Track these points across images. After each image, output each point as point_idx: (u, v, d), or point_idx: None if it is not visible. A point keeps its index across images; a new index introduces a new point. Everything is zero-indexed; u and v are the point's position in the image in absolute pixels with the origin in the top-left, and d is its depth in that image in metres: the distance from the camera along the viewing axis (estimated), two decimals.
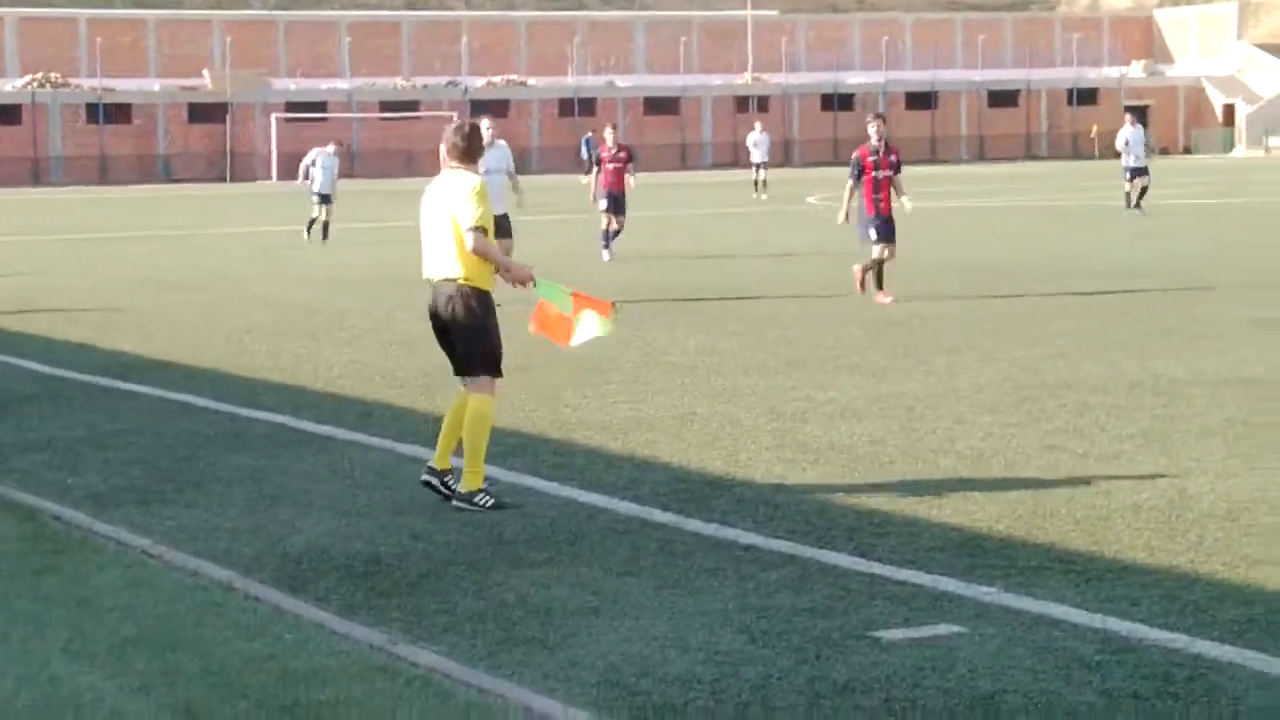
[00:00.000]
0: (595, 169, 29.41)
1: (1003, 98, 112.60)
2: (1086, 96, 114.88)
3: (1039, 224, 38.88)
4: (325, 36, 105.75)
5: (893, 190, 21.56)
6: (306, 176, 37.31)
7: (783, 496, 9.99)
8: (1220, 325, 18.03)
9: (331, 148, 37.73)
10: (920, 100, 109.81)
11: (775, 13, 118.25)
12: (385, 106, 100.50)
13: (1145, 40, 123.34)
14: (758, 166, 57.12)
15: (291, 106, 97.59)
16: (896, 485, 10.25)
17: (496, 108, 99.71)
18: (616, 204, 29.10)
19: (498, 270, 10.15)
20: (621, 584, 8.12)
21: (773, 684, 6.56)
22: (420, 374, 15.53)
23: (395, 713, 6.28)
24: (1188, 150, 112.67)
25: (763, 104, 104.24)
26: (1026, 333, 17.73)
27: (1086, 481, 10.17)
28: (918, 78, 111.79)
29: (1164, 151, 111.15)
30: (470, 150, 10.27)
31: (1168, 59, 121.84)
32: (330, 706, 6.34)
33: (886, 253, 21.38)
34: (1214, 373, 14.52)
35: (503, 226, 21.26)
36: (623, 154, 29.18)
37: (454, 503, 9.89)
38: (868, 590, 7.85)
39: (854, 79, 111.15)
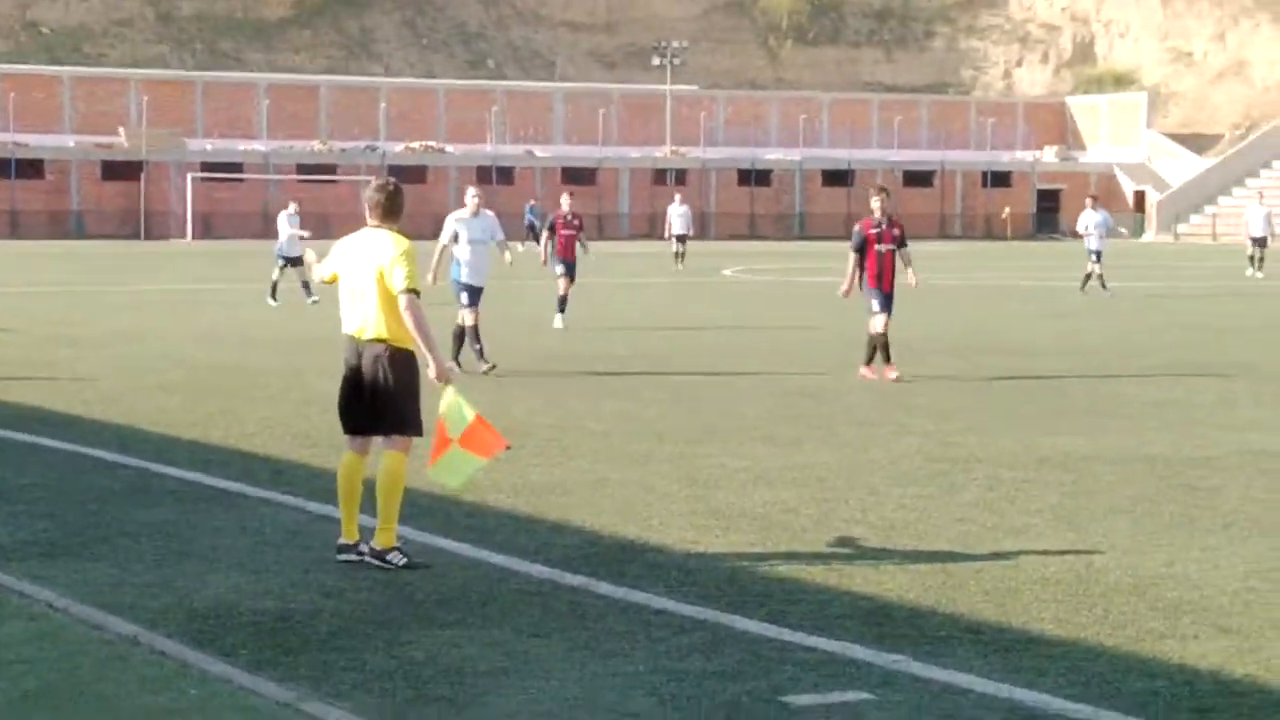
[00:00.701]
0: (549, 235, 29.05)
1: (918, 178, 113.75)
2: (1000, 179, 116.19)
3: (951, 302, 39.21)
4: (243, 98, 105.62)
5: (899, 263, 20.91)
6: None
7: (695, 562, 10.01)
8: (1125, 404, 18.23)
9: (292, 208, 37.29)
10: (837, 178, 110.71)
11: (695, 88, 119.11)
12: (302, 169, 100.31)
13: (1058, 126, 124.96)
14: (678, 238, 56.73)
15: (207, 166, 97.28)
16: (808, 553, 10.28)
17: (414, 173, 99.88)
18: (570, 270, 29.02)
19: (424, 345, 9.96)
20: (532, 645, 8.11)
21: None
22: (333, 433, 15.40)
23: None
24: None
25: (680, 177, 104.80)
26: (939, 407, 17.87)
27: (996, 554, 10.25)
28: (834, 155, 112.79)
29: (1075, 235, 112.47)
30: (392, 210, 10.19)
31: (1080, 145, 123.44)
32: None
33: (885, 326, 20.65)
34: (1119, 450, 14.68)
35: (476, 299, 21.39)
36: (576, 221, 29.20)
37: (367, 559, 9.85)
38: (778, 656, 7.87)
39: (771, 155, 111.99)
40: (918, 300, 26.36)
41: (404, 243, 10.01)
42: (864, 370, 20.82)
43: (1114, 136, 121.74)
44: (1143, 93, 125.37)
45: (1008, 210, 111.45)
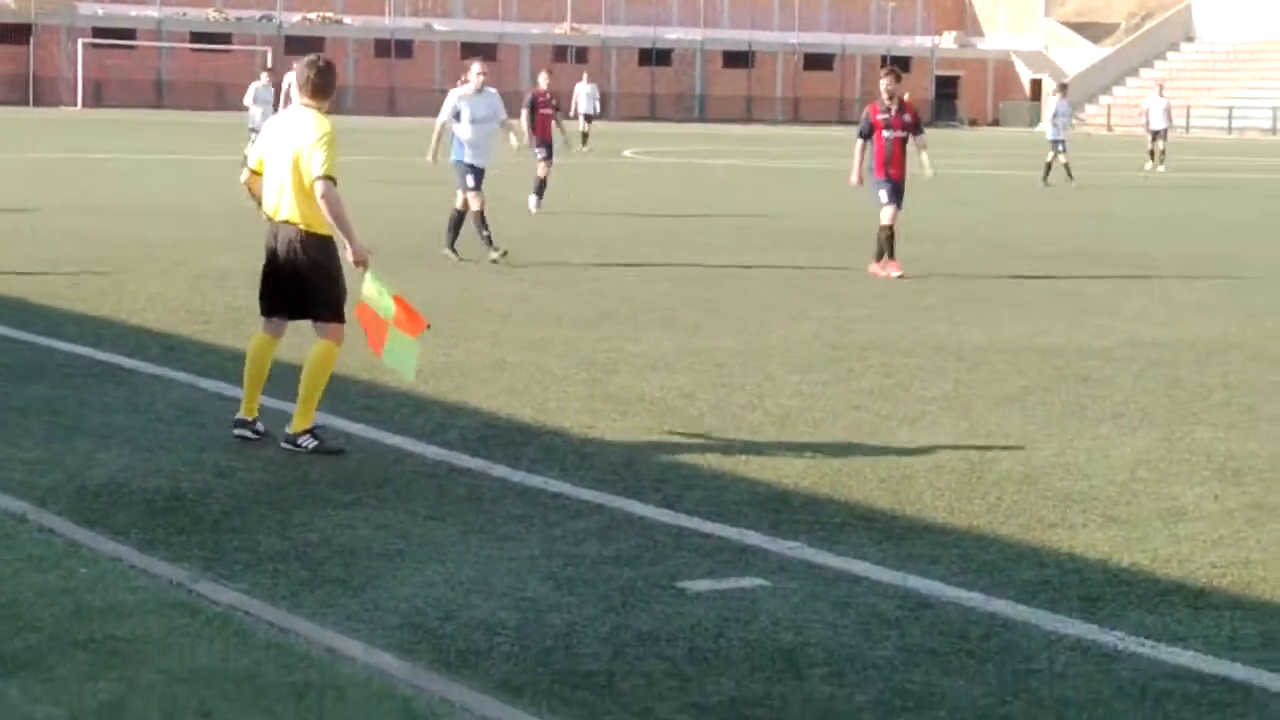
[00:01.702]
0: (529, 113, 27.94)
1: (818, 61, 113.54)
2: (900, 63, 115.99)
3: (851, 188, 39.24)
4: None
5: (914, 150, 19.88)
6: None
7: (591, 446, 10.00)
8: (1020, 294, 18.36)
9: (264, 78, 36.36)
10: (737, 59, 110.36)
11: None
12: (196, 38, 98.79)
13: (957, 11, 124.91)
14: (585, 118, 55.18)
15: (98, 32, 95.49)
16: (705, 439, 10.30)
17: (311, 45, 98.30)
18: (550, 151, 28.42)
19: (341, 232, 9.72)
20: (427, 528, 8.09)
21: (577, 631, 6.57)
22: (227, 309, 15.31)
23: (194, 650, 6.19)
24: (996, 123, 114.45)
25: (581, 55, 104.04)
26: (837, 293, 17.92)
27: (890, 442, 10.32)
28: (735, 37, 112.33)
29: (973, 123, 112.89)
30: (323, 87, 9.87)
31: (978, 32, 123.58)
32: (127, 642, 6.24)
33: (893, 218, 19.60)
34: (1014, 340, 14.79)
35: (480, 180, 20.20)
36: (554, 101, 28.69)
37: (265, 436, 9.77)
38: (673, 541, 7.89)
39: (671, 34, 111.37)
40: (817, 186, 26.50)
41: (325, 125, 9.68)
42: (873, 267, 19.68)
43: (1012, 24, 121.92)
44: None
45: (907, 95, 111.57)
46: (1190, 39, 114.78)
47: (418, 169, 28.72)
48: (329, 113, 9.90)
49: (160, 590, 6.93)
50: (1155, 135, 48.16)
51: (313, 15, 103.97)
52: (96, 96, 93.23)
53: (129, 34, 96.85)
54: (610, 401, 11.44)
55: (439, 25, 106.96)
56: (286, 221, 9.77)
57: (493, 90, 20.49)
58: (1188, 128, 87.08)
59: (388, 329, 9.67)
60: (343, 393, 11.45)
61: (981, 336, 14.97)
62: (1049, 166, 40.57)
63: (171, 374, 12.09)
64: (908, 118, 19.71)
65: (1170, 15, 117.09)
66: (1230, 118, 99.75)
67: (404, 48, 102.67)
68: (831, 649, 6.43)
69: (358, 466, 9.34)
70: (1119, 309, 17.21)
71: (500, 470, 9.31)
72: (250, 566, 7.36)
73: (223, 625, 6.50)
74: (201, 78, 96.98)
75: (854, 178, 20.10)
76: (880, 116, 19.61)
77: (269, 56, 72.67)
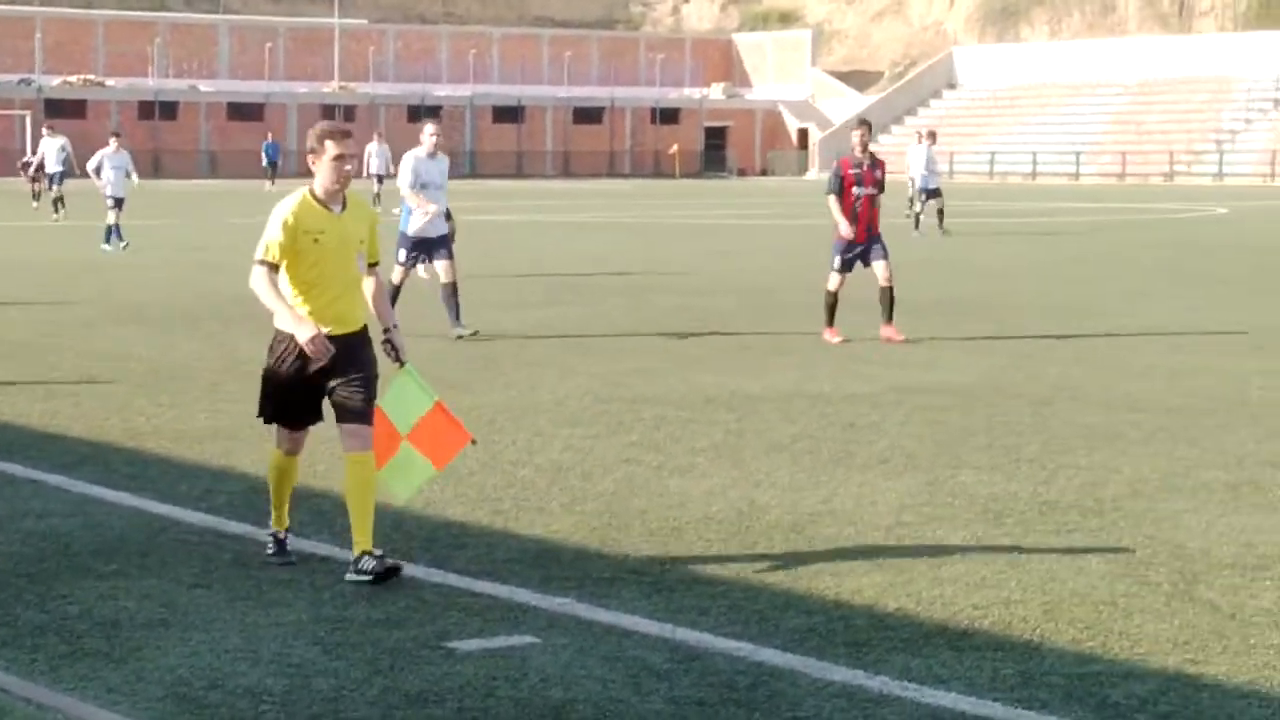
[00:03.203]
0: None
1: (588, 114, 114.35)
2: (669, 116, 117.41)
3: (622, 239, 39.53)
4: None
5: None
6: (98, 176, 34.72)
7: None
8: (789, 342, 18.60)
9: (114, 144, 35.31)
10: (507, 114, 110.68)
11: (363, 21, 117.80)
12: None
13: (725, 63, 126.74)
14: (378, 178, 51.64)
15: None
16: (475, 497, 10.27)
17: (73, 108, 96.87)
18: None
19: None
20: (193, 596, 7.95)
21: (345, 695, 6.50)
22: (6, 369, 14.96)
23: None
24: (764, 172, 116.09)
25: (349, 113, 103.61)
26: (607, 347, 18.01)
27: (661, 493, 10.37)
28: (504, 92, 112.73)
29: (742, 173, 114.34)
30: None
31: (746, 83, 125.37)
32: None
33: (841, 284, 18.62)
34: (783, 388, 14.97)
35: (438, 248, 18.73)
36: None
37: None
38: (443, 601, 7.85)
39: (441, 91, 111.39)
40: (586, 239, 26.67)
41: (277, 206, 8.55)
42: (826, 334, 18.63)
43: (779, 74, 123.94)
44: (807, 30, 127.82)
45: (675, 147, 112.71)
46: (953, 86, 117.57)
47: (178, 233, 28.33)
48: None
49: None
50: (925, 194, 42.17)
51: (73, 78, 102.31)
52: None
53: None
54: None
55: (204, 86, 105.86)
56: None
57: (444, 156, 19.18)
58: (951, 173, 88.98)
59: (400, 443, 8.62)
60: (105, 459, 11.25)
61: (752, 385, 15.13)
62: (918, 216, 40.42)
63: None
64: (879, 174, 18.64)
65: (933, 63, 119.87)
66: (992, 162, 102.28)
67: (168, 109, 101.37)
68: (600, 704, 6.44)
69: (120, 535, 9.16)
70: (886, 355, 17.51)
71: (267, 535, 9.18)
72: (7, 642, 7.17)
73: None
74: None
75: (845, 230, 18.53)
76: (852, 171, 18.52)
77: (27, 121, 71.13)
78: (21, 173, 44.16)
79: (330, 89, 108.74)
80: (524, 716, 6.30)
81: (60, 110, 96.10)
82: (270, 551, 8.68)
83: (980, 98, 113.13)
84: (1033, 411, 13.81)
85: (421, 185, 18.60)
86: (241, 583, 8.20)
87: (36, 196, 45.32)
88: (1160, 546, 9.07)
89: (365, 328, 8.71)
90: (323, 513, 9.78)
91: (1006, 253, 35.50)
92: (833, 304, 18.65)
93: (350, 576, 8.23)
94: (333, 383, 8.53)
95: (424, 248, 18.78)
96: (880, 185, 18.64)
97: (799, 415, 13.50)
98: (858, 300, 19.61)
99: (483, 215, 51.03)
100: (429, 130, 18.95)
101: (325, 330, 8.45)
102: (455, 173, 30.01)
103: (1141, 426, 13.03)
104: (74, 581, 8.19)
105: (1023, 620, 7.63)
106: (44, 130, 44.89)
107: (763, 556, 8.81)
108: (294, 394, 8.59)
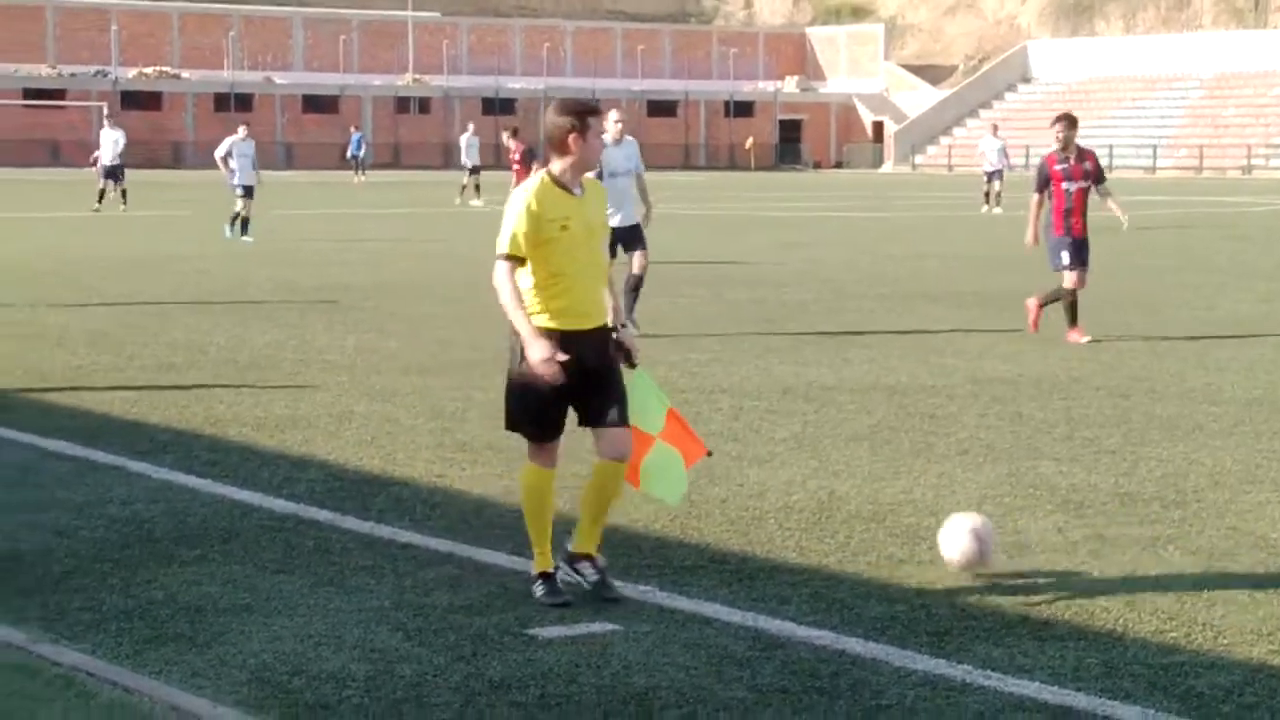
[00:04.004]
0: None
1: (662, 108, 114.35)
2: (743, 109, 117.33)
3: (696, 231, 39.49)
4: None
5: (1099, 200, 18.18)
6: (227, 167, 35.07)
7: (440, 495, 9.95)
8: (867, 334, 18.54)
9: (242, 132, 35.68)
10: None
11: (436, 15, 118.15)
12: (29, 94, 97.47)
13: (798, 57, 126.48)
14: (471, 170, 54.58)
15: None
16: (556, 485, 10.25)
17: (148, 100, 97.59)
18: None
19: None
20: (275, 582, 8.00)
21: (427, 681, 6.52)
22: (66, 369, 15.09)
23: (34, 714, 6.07)
24: (839, 165, 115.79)
25: (424, 105, 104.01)
26: (684, 337, 17.99)
27: (740, 483, 10.35)
28: (578, 85, 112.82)
29: (817, 166, 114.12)
30: (542, 150, 8.16)
31: (820, 76, 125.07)
32: None
33: (1079, 282, 18.03)
34: (860, 379, 14.92)
35: (632, 239, 18.12)
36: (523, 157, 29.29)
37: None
38: (524, 589, 7.85)
39: (514, 84, 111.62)
40: (661, 231, 26.44)
41: (514, 194, 7.83)
42: (1071, 334, 17.94)
43: (852, 68, 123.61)
44: (880, 24, 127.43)
45: (751, 140, 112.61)
46: (1027, 79, 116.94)
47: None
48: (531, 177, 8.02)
49: None
50: (990, 176, 49.09)
51: (149, 70, 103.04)
52: None
53: None
54: (459, 450, 11.38)
55: (279, 78, 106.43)
56: None
57: (631, 139, 18.37)
58: (1027, 166, 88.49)
59: (652, 444, 8.00)
60: (186, 447, 11.33)
61: (829, 377, 15.08)
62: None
63: (9, 434, 11.87)
64: (1088, 166, 18.00)
65: (1007, 56, 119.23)
66: None
67: (244, 101, 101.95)
68: (683, 691, 6.43)
69: (203, 522, 9.22)
70: (962, 346, 17.42)
71: (349, 522, 9.23)
72: (93, 626, 7.23)
73: (64, 687, 6.37)
74: (36, 134, 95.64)
75: (1029, 236, 18.39)
76: (1058, 167, 17.95)
77: (104, 111, 71.66)
78: (92, 166, 44.34)
79: (404, 81, 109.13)
80: (607, 703, 6.30)
81: (135, 102, 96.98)
82: (540, 593, 7.69)
83: (1055, 91, 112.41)
84: (1111, 403, 13.71)
85: (610, 174, 17.49)
86: (324, 569, 8.24)
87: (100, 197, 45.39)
88: (1243, 538, 9.00)
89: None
90: (403, 499, 9.81)
91: None
92: (1073, 303, 18.02)
93: (562, 575, 7.78)
94: (588, 384, 7.78)
95: (620, 238, 17.63)
96: (1091, 176, 18.01)
97: (876, 406, 13.45)
98: (934, 293, 19.52)
99: None
100: (613, 118, 17.71)
101: (576, 326, 7.71)
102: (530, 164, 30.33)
103: (1221, 419, 12.93)
104: (158, 567, 8.25)
105: (1105, 610, 7.58)
106: (105, 122, 45.20)
107: (843, 546, 8.79)
108: (550, 400, 7.78)
